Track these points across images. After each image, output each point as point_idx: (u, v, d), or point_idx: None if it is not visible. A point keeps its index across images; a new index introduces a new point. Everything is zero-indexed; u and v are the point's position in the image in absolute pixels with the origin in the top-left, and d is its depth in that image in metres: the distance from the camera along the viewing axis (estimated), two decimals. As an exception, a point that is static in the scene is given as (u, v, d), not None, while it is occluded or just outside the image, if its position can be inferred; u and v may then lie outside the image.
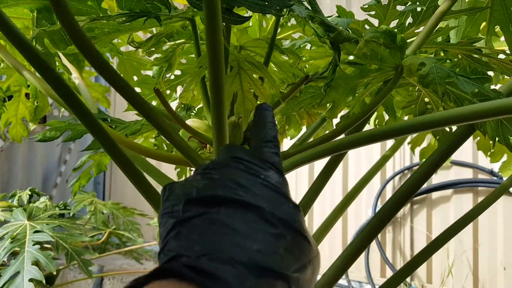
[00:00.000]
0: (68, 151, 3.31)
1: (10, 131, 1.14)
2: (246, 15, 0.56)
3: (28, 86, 1.06)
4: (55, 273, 1.34)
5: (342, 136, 0.60)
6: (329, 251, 2.43)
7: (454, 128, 0.62)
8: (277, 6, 0.43)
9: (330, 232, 0.71)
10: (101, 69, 0.41)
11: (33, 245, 1.36)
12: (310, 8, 0.52)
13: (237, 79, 0.55)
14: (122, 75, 1.11)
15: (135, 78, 1.12)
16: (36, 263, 1.34)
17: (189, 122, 0.60)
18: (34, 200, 1.88)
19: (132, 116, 0.87)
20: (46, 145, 3.21)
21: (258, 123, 0.41)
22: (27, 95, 1.10)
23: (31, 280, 1.29)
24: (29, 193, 1.88)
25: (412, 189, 0.53)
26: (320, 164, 2.49)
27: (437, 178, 2.25)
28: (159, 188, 0.69)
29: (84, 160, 0.90)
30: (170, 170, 0.82)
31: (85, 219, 1.95)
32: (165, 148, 0.97)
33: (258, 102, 0.64)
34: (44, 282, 1.32)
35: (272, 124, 0.42)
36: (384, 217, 0.56)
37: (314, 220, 2.51)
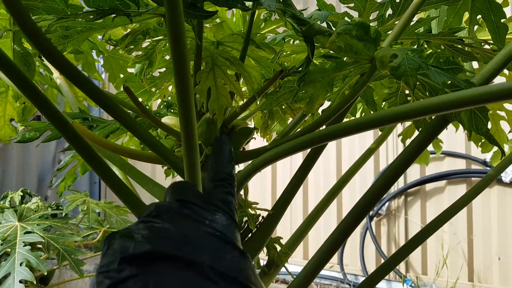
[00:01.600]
0: (62, 152, 3.30)
1: (-2, 132, 1.13)
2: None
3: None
4: (45, 273, 1.33)
5: (320, 129, 0.60)
6: (324, 237, 2.43)
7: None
8: (243, 0, 0.42)
9: (326, 219, 0.71)
10: (60, 67, 0.41)
11: (24, 246, 1.36)
12: (281, 0, 0.51)
13: (211, 75, 0.54)
14: (108, 73, 1.10)
15: (121, 75, 1.11)
16: (27, 264, 1.34)
17: (165, 119, 0.60)
18: (27, 201, 1.87)
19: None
20: (41, 146, 3.19)
21: (214, 158, 0.40)
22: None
23: (21, 281, 1.28)
24: (21, 194, 1.87)
25: (389, 180, 0.53)
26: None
27: (430, 169, 2.26)
28: (139, 189, 0.68)
29: (68, 160, 0.90)
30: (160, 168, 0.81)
31: (78, 219, 1.94)
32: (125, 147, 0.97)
33: (236, 99, 0.64)
34: (35, 282, 1.31)
35: (228, 160, 0.40)
36: (362, 208, 0.56)
37: (309, 203, 2.51)
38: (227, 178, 0.39)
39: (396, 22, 0.71)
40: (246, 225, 0.59)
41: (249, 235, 0.59)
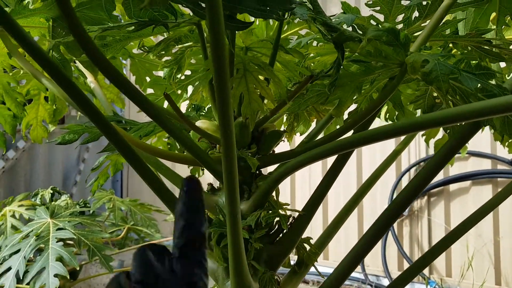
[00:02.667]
0: (86, 150, 3.39)
1: (31, 133, 1.18)
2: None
3: (47, 89, 1.10)
4: (78, 268, 1.39)
5: (351, 132, 0.61)
6: (345, 247, 2.43)
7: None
8: (278, 11, 0.44)
9: (346, 226, 0.72)
10: (110, 76, 0.43)
11: (57, 242, 1.42)
12: (312, 8, 0.53)
13: (243, 81, 0.56)
14: (134, 76, 1.14)
15: (148, 79, 1.14)
16: (60, 259, 1.40)
17: (198, 123, 0.62)
18: (56, 198, 1.95)
19: (146, 116, 0.89)
20: (66, 145, 3.30)
21: (182, 210, 0.31)
22: (46, 98, 1.14)
23: (56, 275, 1.34)
24: (51, 191, 1.95)
25: (421, 184, 0.54)
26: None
27: (454, 169, 2.22)
28: (172, 187, 0.71)
29: (102, 160, 0.94)
30: (184, 168, 0.84)
31: (104, 216, 2.01)
32: (178, 147, 1.00)
33: (265, 102, 0.66)
34: (68, 277, 1.37)
35: (199, 217, 0.31)
36: (395, 211, 0.57)
37: (328, 213, 2.51)
38: (197, 240, 0.31)
39: (422, 25, 0.72)
40: (277, 225, 0.61)
41: (280, 235, 0.62)
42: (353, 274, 2.41)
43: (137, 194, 3.26)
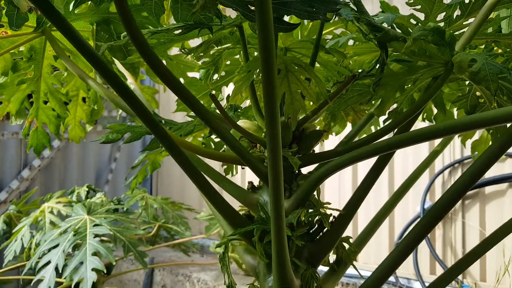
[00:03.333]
0: (118, 150, 3.49)
1: (69, 132, 1.22)
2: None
3: (88, 89, 1.14)
4: (114, 263, 1.44)
5: (391, 133, 0.61)
6: (375, 250, 2.39)
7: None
8: (324, 12, 0.45)
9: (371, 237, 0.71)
10: (163, 77, 0.45)
11: (94, 237, 1.47)
12: (355, 9, 0.53)
13: (285, 81, 0.57)
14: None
15: (182, 80, 1.17)
16: (96, 254, 1.45)
17: (239, 123, 0.64)
18: (91, 196, 2.02)
19: (184, 117, 0.92)
20: (98, 144, 3.40)
21: None
22: (83, 99, 1.18)
23: (93, 269, 1.40)
24: (86, 189, 2.02)
25: (465, 187, 0.53)
26: (363, 163, 2.45)
27: (491, 171, 2.15)
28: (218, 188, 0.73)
29: (141, 158, 0.97)
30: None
31: (136, 214, 2.06)
32: (213, 147, 1.02)
33: (306, 101, 0.66)
34: (105, 271, 1.42)
35: None
36: (434, 216, 0.55)
37: (358, 221, 2.48)
38: None
39: (464, 23, 0.71)
40: (318, 224, 0.62)
41: (320, 234, 0.62)
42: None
43: (167, 193, 3.33)
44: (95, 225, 1.54)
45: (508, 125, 0.52)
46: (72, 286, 1.68)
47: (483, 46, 0.75)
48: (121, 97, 0.51)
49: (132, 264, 2.83)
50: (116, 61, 0.85)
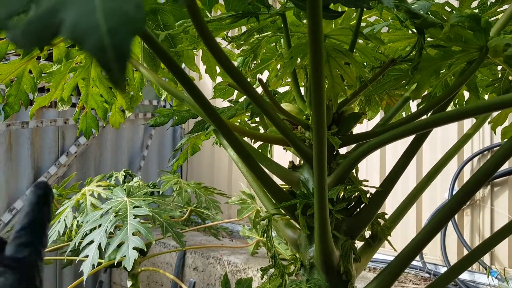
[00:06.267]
0: (149, 137, 3.61)
1: (110, 118, 1.30)
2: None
3: (126, 78, 1.21)
4: (153, 242, 1.53)
5: (425, 116, 0.64)
6: (402, 236, 2.41)
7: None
8: (367, 0, 0.49)
9: (404, 216, 0.74)
10: (222, 62, 0.51)
11: (134, 218, 1.56)
12: (395, -3, 0.57)
13: (326, 66, 0.62)
14: (205, 65, 1.23)
15: (217, 68, 1.23)
16: (136, 234, 1.54)
17: (283, 106, 0.68)
18: (128, 180, 2.12)
19: (223, 102, 0.97)
20: (131, 132, 3.53)
21: (25, 209, 0.35)
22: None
23: (134, 248, 1.49)
24: (124, 174, 2.13)
25: (492, 170, 0.55)
26: (389, 149, 2.46)
27: (521, 158, 2.12)
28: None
29: (184, 142, 1.04)
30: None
31: (171, 198, 2.15)
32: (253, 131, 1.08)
33: (345, 83, 0.70)
34: (145, 249, 1.51)
35: (33, 210, 0.35)
36: (461, 199, 0.58)
37: (386, 208, 2.50)
38: (26, 228, 0.34)
39: (498, 10, 0.73)
40: (355, 200, 0.66)
41: (357, 209, 0.67)
42: (412, 262, 2.39)
43: (197, 178, 3.44)
44: (135, 206, 1.63)
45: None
46: (115, 264, 1.79)
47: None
48: (180, 82, 0.56)
49: (165, 248, 2.96)
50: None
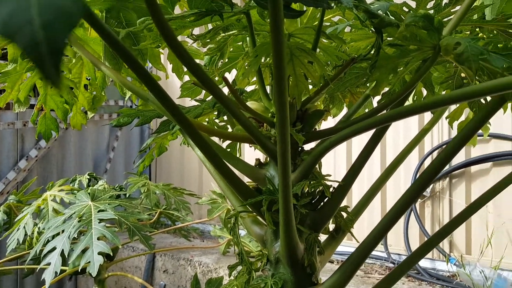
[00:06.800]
0: (115, 139, 3.52)
1: (71, 120, 1.26)
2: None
3: (88, 78, 1.18)
4: (120, 246, 1.49)
5: (387, 111, 0.67)
6: (368, 226, 2.49)
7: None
8: (328, 0, 0.50)
9: (370, 208, 0.77)
10: (185, 61, 0.51)
11: (99, 222, 1.52)
12: (354, -2, 0.59)
13: (290, 65, 0.63)
14: (172, 64, 1.21)
15: (185, 68, 1.21)
16: (102, 238, 1.50)
17: (248, 104, 0.69)
18: (93, 184, 2.06)
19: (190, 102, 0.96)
20: (96, 134, 3.42)
21: None
22: (85, 86, 1.22)
23: (99, 253, 1.45)
24: (88, 177, 2.06)
25: (446, 160, 0.59)
26: (356, 142, 2.54)
27: (476, 151, 2.25)
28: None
29: (149, 142, 1.02)
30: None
31: (139, 200, 2.11)
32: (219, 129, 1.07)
33: (309, 82, 0.72)
34: (111, 254, 1.47)
35: None
36: (418, 188, 0.61)
37: (352, 196, 2.57)
38: None
39: (452, 10, 0.77)
40: (319, 195, 0.68)
41: (321, 203, 0.69)
42: (377, 253, 2.47)
43: (166, 180, 3.39)
44: (100, 210, 1.59)
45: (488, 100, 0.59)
46: (79, 271, 1.74)
47: (469, 32, 0.81)
48: (142, 81, 0.56)
49: (133, 251, 2.90)
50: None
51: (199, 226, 3.05)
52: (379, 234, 0.63)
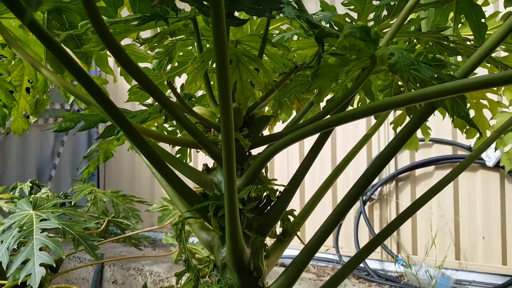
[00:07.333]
0: (61, 144, 3.35)
1: (11, 124, 1.19)
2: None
3: (30, 81, 1.12)
4: (64, 257, 1.42)
5: (328, 116, 0.69)
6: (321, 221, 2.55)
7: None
8: (269, 10, 0.51)
9: (322, 207, 0.80)
10: (126, 66, 0.50)
11: (41, 232, 1.43)
12: (297, 7, 0.61)
13: (236, 71, 0.64)
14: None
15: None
16: (44, 249, 1.42)
17: (195, 109, 0.69)
18: (35, 192, 1.95)
19: (138, 106, 0.94)
20: (40, 139, 3.24)
21: None
22: (27, 89, 1.15)
23: (41, 264, 1.37)
24: (30, 185, 1.95)
25: (383, 162, 0.63)
26: (309, 142, 2.60)
27: (419, 155, 2.39)
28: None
29: (94, 148, 0.98)
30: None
31: (85, 209, 2.02)
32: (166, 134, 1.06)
33: (255, 89, 0.73)
34: (54, 265, 1.40)
35: None
36: (355, 193, 0.65)
37: (305, 193, 2.63)
38: None
39: (391, 22, 0.81)
40: (266, 199, 0.69)
41: (268, 207, 0.70)
42: (329, 256, 2.54)
43: (115, 187, 3.27)
44: (42, 220, 1.50)
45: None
46: (19, 284, 1.63)
47: (407, 43, 0.87)
48: (81, 84, 0.54)
49: (80, 262, 2.76)
50: (69, 51, 0.86)
51: (151, 234, 2.98)
52: (321, 236, 0.66)
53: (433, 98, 0.46)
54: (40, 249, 1.42)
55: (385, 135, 2.51)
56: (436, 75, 0.52)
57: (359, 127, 2.51)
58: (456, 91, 0.45)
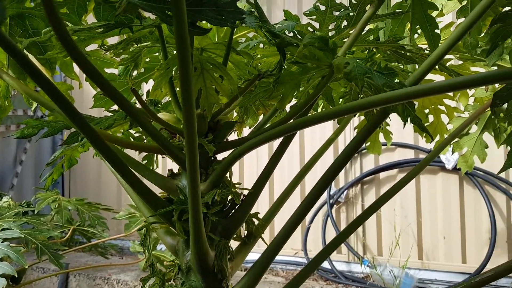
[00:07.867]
0: (24, 152, 3.23)
1: (-30, 131, 1.15)
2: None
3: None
4: (26, 267, 1.37)
5: (291, 121, 0.72)
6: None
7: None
8: (232, 20, 0.53)
9: (291, 204, 0.83)
10: (89, 73, 0.50)
11: (2, 242, 1.38)
12: (259, 17, 0.63)
13: (200, 78, 0.65)
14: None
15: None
16: (5, 259, 1.37)
17: (160, 115, 0.70)
18: (-5, 201, 1.87)
19: (103, 112, 0.94)
20: (1, 146, 3.11)
21: None
22: (-13, 96, 1.12)
23: (3, 275, 1.32)
24: (-11, 193, 1.87)
25: (341, 163, 0.66)
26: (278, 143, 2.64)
27: (383, 159, 2.48)
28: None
29: (57, 154, 0.97)
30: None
31: (49, 217, 1.96)
32: (132, 140, 1.05)
33: (219, 96, 0.75)
34: (16, 275, 1.35)
35: None
36: (313, 196, 0.68)
37: (274, 191, 2.66)
38: None
39: (350, 32, 0.85)
40: (230, 202, 0.71)
41: (232, 211, 0.71)
42: (298, 259, 2.58)
43: (81, 195, 3.18)
44: (3, 229, 1.45)
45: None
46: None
47: (366, 51, 0.91)
48: (44, 91, 0.54)
49: (43, 273, 2.67)
50: (31, 56, 0.85)
51: (118, 242, 2.91)
52: (282, 238, 0.68)
53: (383, 104, 0.49)
54: (1, 260, 1.38)
55: (351, 137, 2.59)
56: (388, 83, 0.56)
57: (326, 130, 2.58)
58: (403, 98, 0.48)
